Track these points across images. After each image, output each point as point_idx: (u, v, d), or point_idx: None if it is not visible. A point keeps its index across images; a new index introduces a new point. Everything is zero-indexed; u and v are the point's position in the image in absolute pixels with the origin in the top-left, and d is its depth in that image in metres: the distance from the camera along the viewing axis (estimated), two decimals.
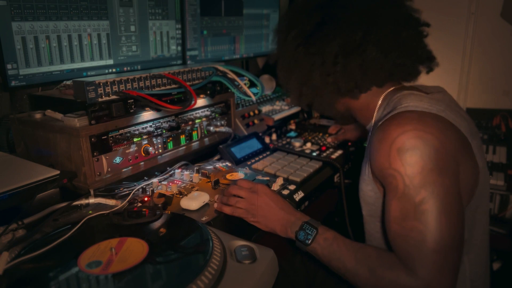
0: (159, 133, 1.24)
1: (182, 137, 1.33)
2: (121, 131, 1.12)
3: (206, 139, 1.43)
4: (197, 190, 1.09)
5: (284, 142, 1.56)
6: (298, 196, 1.15)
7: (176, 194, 1.08)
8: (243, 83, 1.41)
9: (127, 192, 1.07)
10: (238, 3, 1.84)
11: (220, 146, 1.37)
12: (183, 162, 1.28)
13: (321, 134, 1.67)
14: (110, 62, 1.33)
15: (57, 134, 1.08)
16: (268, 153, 1.44)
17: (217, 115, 1.47)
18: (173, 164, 1.26)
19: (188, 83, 1.26)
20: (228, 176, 1.20)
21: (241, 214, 0.99)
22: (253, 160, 1.36)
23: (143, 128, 1.19)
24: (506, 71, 2.14)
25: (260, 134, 1.53)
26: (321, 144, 1.55)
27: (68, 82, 1.20)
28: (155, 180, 1.15)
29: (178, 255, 0.77)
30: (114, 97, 1.08)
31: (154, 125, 1.22)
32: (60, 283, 0.67)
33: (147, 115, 1.18)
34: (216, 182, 1.14)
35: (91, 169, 1.05)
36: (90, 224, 0.86)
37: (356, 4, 0.98)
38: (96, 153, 1.06)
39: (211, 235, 0.80)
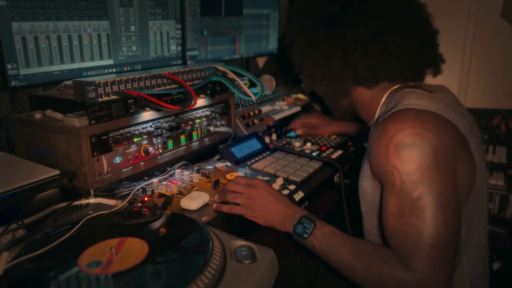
0: (159, 133, 1.24)
1: (182, 137, 1.33)
2: (121, 131, 1.12)
3: (206, 139, 1.43)
4: (197, 190, 1.09)
5: (284, 142, 1.56)
6: (298, 196, 1.15)
7: (176, 194, 1.08)
8: (243, 83, 1.41)
9: (127, 192, 1.07)
10: (238, 3, 1.84)
11: (220, 146, 1.37)
12: (183, 162, 1.28)
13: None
14: (110, 62, 1.33)
15: (57, 134, 1.08)
16: (268, 153, 1.44)
17: (217, 115, 1.47)
18: (173, 164, 1.26)
19: (188, 83, 1.26)
20: (228, 176, 1.20)
21: (239, 211, 0.99)
22: (253, 160, 1.36)
23: (143, 128, 1.19)
24: (506, 71, 2.14)
25: (260, 134, 1.53)
26: (321, 144, 1.55)
27: (68, 82, 1.20)
28: (155, 180, 1.15)
29: (178, 255, 0.77)
30: (114, 97, 1.08)
31: (154, 125, 1.22)
32: (60, 283, 0.67)
33: (147, 115, 1.18)
34: (216, 182, 1.14)
35: (91, 169, 1.05)
36: (90, 224, 0.86)
37: None
38: (96, 153, 1.06)
39: (211, 235, 0.80)
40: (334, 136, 1.63)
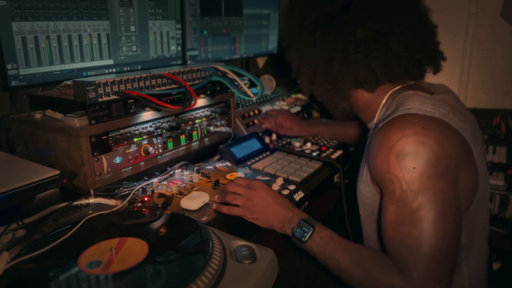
0: (159, 133, 1.24)
1: (182, 137, 1.33)
2: (121, 131, 1.12)
3: (206, 139, 1.43)
4: (197, 190, 1.09)
5: (284, 142, 1.56)
6: (298, 196, 1.15)
7: (176, 194, 1.08)
8: (243, 83, 1.41)
9: (127, 192, 1.07)
10: (238, 3, 1.84)
11: (220, 146, 1.37)
12: (183, 162, 1.28)
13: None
14: (110, 62, 1.33)
15: (57, 134, 1.08)
16: (268, 153, 1.44)
17: (217, 115, 1.47)
18: (173, 164, 1.26)
19: (188, 83, 1.26)
20: (228, 176, 1.20)
21: (238, 213, 0.99)
22: (253, 160, 1.36)
23: (143, 128, 1.19)
24: (506, 71, 2.14)
25: (260, 134, 1.53)
26: (321, 144, 1.55)
27: (68, 82, 1.20)
28: (155, 180, 1.15)
29: (178, 255, 0.77)
30: (114, 97, 1.08)
31: (154, 125, 1.22)
32: (60, 283, 0.67)
33: (147, 115, 1.18)
34: (216, 182, 1.14)
35: (91, 169, 1.05)
36: (90, 224, 0.86)
37: None
38: (96, 153, 1.06)
39: (211, 235, 0.80)
40: None
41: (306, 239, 0.92)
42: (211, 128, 1.43)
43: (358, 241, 1.05)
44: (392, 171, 0.84)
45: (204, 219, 0.96)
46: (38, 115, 1.15)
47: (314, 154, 1.43)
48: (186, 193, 1.08)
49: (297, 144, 1.50)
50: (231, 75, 1.41)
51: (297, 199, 1.13)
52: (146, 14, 1.41)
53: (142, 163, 1.20)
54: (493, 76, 2.17)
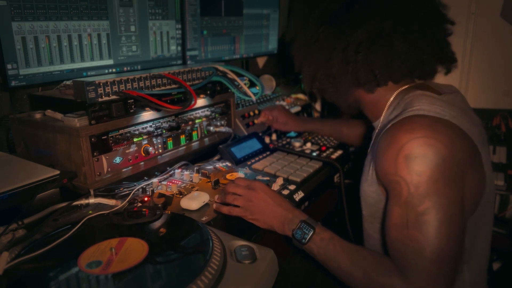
0: (159, 133, 1.24)
1: (182, 137, 1.33)
2: (121, 131, 1.12)
3: (206, 139, 1.43)
4: (197, 190, 1.09)
5: (284, 142, 1.56)
6: (298, 196, 1.15)
7: (176, 194, 1.08)
8: (243, 83, 1.41)
9: (127, 192, 1.07)
10: (238, 3, 1.84)
11: (220, 146, 1.37)
12: (183, 162, 1.28)
13: (321, 134, 1.67)
14: (110, 62, 1.33)
15: (57, 134, 1.08)
16: (268, 153, 1.44)
17: (217, 115, 1.47)
18: (173, 164, 1.26)
19: (188, 83, 1.26)
20: (228, 176, 1.20)
21: (238, 213, 0.98)
22: (253, 160, 1.36)
23: (143, 128, 1.19)
24: (506, 71, 2.14)
25: (260, 134, 1.53)
26: (321, 144, 1.55)
27: (68, 82, 1.20)
28: (155, 180, 1.15)
29: (178, 255, 0.77)
30: (114, 97, 1.08)
31: (154, 125, 1.22)
32: (60, 283, 0.67)
33: (147, 115, 1.18)
34: (216, 182, 1.14)
35: (91, 169, 1.05)
36: (90, 224, 0.86)
37: None
38: (96, 153, 1.06)
39: (211, 235, 0.80)
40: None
41: (306, 240, 0.92)
42: (211, 128, 1.43)
43: (359, 241, 1.05)
44: (400, 173, 0.83)
45: (204, 219, 0.96)
46: (38, 115, 1.15)
47: (314, 154, 1.43)
48: (186, 193, 1.08)
49: (297, 144, 1.50)
50: (231, 75, 1.41)
51: (297, 199, 1.13)
52: (146, 14, 1.41)
53: (142, 163, 1.20)
54: (493, 76, 2.17)
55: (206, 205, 1.03)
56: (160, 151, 1.25)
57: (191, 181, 1.18)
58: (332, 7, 0.96)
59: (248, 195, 0.99)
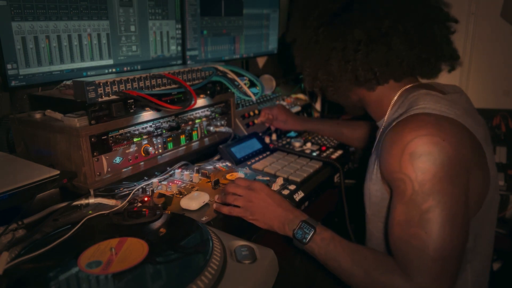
0: (159, 133, 1.24)
1: (182, 137, 1.33)
2: (121, 131, 1.12)
3: (206, 139, 1.43)
4: (197, 190, 1.09)
5: (284, 142, 1.56)
6: (298, 196, 1.15)
7: (176, 194, 1.08)
8: (243, 83, 1.41)
9: (127, 192, 1.07)
10: (238, 3, 1.84)
11: (220, 146, 1.37)
12: (183, 162, 1.28)
13: (321, 134, 1.67)
14: (110, 62, 1.33)
15: (57, 134, 1.08)
16: (268, 153, 1.44)
17: (217, 115, 1.47)
18: (173, 164, 1.26)
19: (188, 83, 1.26)
20: (228, 176, 1.20)
21: (239, 214, 0.99)
22: (253, 160, 1.36)
23: (143, 128, 1.19)
24: (506, 71, 2.14)
25: (260, 134, 1.53)
26: (321, 144, 1.55)
27: (68, 82, 1.20)
28: (155, 180, 1.15)
29: (178, 255, 0.77)
30: (114, 97, 1.08)
31: (154, 125, 1.22)
32: (60, 283, 0.67)
33: (147, 115, 1.18)
34: (216, 182, 1.14)
35: (91, 169, 1.05)
36: (90, 224, 0.86)
37: None
38: (96, 153, 1.06)
39: (211, 235, 0.80)
40: None
41: (307, 240, 0.92)
42: (211, 128, 1.43)
43: (359, 241, 1.05)
44: (405, 171, 0.83)
45: (204, 219, 0.96)
46: (38, 115, 1.15)
47: (314, 154, 1.43)
48: (186, 193, 1.08)
49: (297, 144, 1.50)
50: (231, 75, 1.41)
51: (297, 199, 1.13)
52: (146, 14, 1.41)
53: (142, 163, 1.20)
54: (493, 76, 2.17)
55: (206, 205, 1.03)
56: (160, 151, 1.25)
57: (191, 181, 1.18)
58: (331, 8, 0.97)
59: (249, 195, 0.99)
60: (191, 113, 1.36)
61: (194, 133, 1.38)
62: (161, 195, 1.04)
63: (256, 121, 1.62)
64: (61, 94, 1.19)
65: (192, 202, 0.99)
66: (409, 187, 0.82)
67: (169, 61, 1.55)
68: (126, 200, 0.99)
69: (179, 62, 1.59)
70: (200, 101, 1.37)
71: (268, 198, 0.98)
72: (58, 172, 1.01)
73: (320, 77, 1.03)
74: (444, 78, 1.05)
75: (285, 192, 1.14)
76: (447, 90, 0.99)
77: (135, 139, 1.16)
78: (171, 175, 1.22)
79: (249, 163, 1.34)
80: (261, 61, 2.34)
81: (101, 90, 1.04)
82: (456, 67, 1.00)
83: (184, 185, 1.15)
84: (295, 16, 1.08)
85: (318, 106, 2.08)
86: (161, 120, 1.24)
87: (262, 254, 0.78)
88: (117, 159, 1.12)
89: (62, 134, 1.06)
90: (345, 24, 0.94)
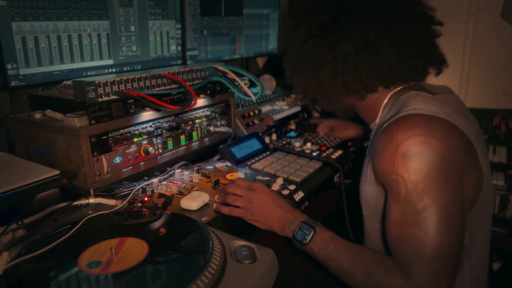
0: (159, 133, 1.24)
1: (182, 137, 1.33)
2: (121, 131, 1.12)
3: (206, 139, 1.43)
4: (197, 190, 1.09)
5: (284, 142, 1.56)
6: (298, 196, 1.15)
7: (176, 194, 1.08)
8: (243, 83, 1.41)
9: (127, 192, 1.07)
10: (238, 3, 1.84)
11: (220, 146, 1.37)
12: (183, 162, 1.28)
13: (321, 134, 1.67)
14: (110, 62, 1.33)
15: (57, 134, 1.08)
16: (268, 153, 1.44)
17: (217, 115, 1.47)
18: (173, 164, 1.26)
19: (188, 83, 1.26)
20: (228, 176, 1.20)
21: (239, 214, 0.99)
22: (253, 160, 1.36)
23: (143, 128, 1.19)
24: (506, 71, 2.14)
25: (260, 134, 1.53)
26: (321, 144, 1.55)
27: (68, 82, 1.20)
28: (155, 180, 1.15)
29: (178, 255, 0.77)
30: (114, 97, 1.08)
31: (154, 125, 1.22)
32: (60, 283, 0.67)
33: (147, 115, 1.18)
34: (216, 182, 1.14)
35: (91, 169, 1.05)
36: (90, 224, 0.86)
37: None
38: (96, 153, 1.06)
39: (211, 235, 0.80)
40: (333, 137, 1.63)
41: (307, 241, 0.92)
42: (211, 128, 1.43)
43: (359, 241, 1.05)
44: (398, 171, 0.84)
45: (204, 219, 0.96)
46: (38, 115, 1.15)
47: (314, 154, 1.43)
48: (186, 193, 1.08)
49: (297, 144, 1.50)
50: (231, 75, 1.41)
51: (297, 199, 1.13)
52: (146, 14, 1.41)
53: (142, 163, 1.20)
54: (493, 76, 2.17)
55: (206, 205, 1.03)
56: (160, 151, 1.25)
57: (191, 181, 1.18)
58: (319, 20, 0.98)
59: (249, 196, 0.99)
60: (191, 113, 1.36)
61: (194, 133, 1.38)
62: (161, 195, 1.04)
63: (321, 134, 1.65)
64: (61, 94, 1.19)
65: (192, 202, 0.99)
66: (403, 187, 0.83)
67: (169, 61, 1.55)
68: (126, 200, 0.99)
69: (179, 62, 1.59)
70: (200, 101, 1.37)
71: (268, 199, 0.98)
72: (58, 172, 1.01)
73: (311, 88, 1.04)
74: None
75: (285, 192, 1.14)
76: (437, 91, 1.00)
77: (135, 139, 1.17)
78: (171, 175, 1.22)
79: (249, 163, 1.34)
80: (261, 61, 2.34)
81: (101, 90, 1.04)
82: (443, 70, 1.02)
83: (184, 185, 1.15)
84: (284, 29, 1.11)
85: (318, 106, 2.08)
86: (161, 120, 1.24)
87: (262, 254, 0.78)
88: (117, 159, 1.12)
89: (62, 134, 1.06)
90: (333, 36, 0.95)
